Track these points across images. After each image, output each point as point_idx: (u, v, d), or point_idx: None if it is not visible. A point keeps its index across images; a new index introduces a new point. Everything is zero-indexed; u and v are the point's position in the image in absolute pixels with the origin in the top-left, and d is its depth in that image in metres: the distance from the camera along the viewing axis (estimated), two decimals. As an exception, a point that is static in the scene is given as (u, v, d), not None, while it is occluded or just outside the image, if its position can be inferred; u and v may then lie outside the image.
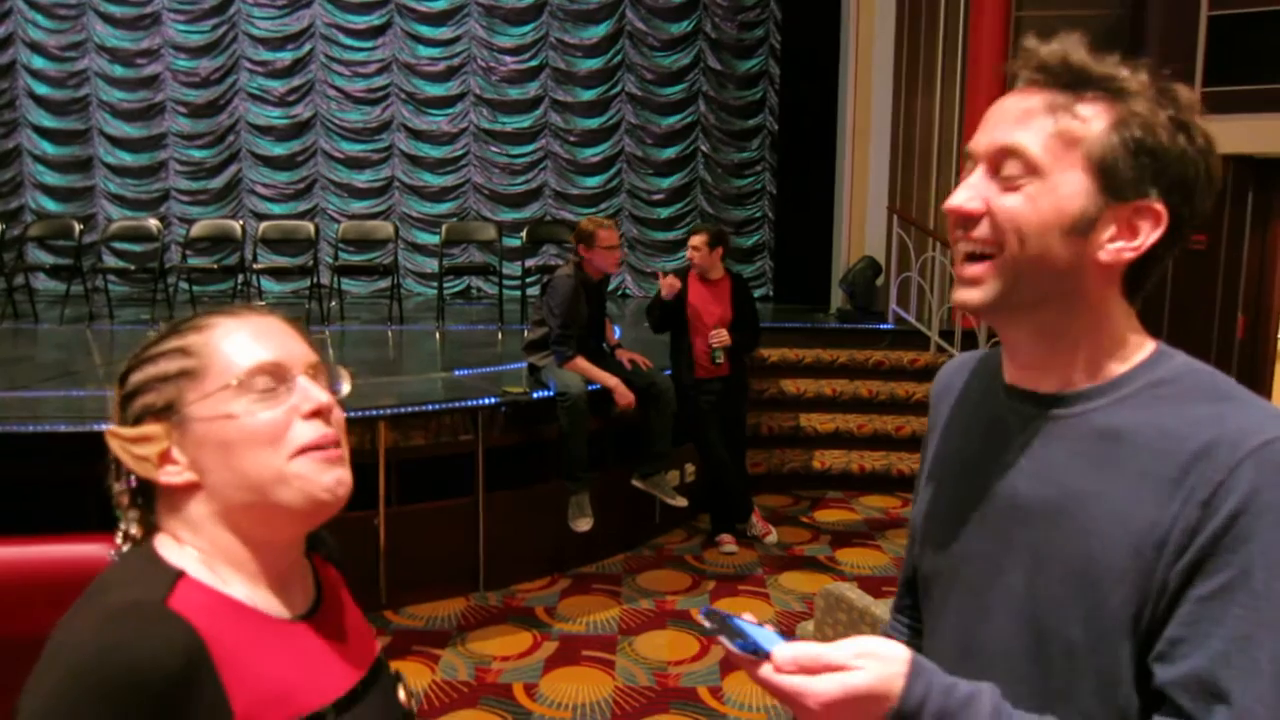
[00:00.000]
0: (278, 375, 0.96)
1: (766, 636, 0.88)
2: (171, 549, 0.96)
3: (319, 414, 0.96)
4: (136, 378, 0.98)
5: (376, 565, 4.21)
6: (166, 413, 0.96)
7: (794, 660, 0.85)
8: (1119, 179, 0.91)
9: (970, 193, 0.96)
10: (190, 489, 0.96)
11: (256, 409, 0.94)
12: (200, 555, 0.95)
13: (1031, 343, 0.99)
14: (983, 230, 0.95)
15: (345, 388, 1.04)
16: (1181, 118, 0.92)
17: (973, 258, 0.96)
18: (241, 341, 0.97)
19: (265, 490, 0.94)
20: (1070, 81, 0.93)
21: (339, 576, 1.14)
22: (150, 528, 0.99)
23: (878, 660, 0.85)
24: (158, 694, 0.82)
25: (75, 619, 0.88)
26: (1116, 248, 0.93)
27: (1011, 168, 0.93)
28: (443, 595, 4.39)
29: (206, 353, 0.96)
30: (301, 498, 0.94)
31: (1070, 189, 0.92)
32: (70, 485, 3.88)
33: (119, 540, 1.00)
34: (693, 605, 4.38)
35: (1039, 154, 0.92)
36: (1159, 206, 0.92)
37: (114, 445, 0.97)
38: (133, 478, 0.98)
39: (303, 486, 0.94)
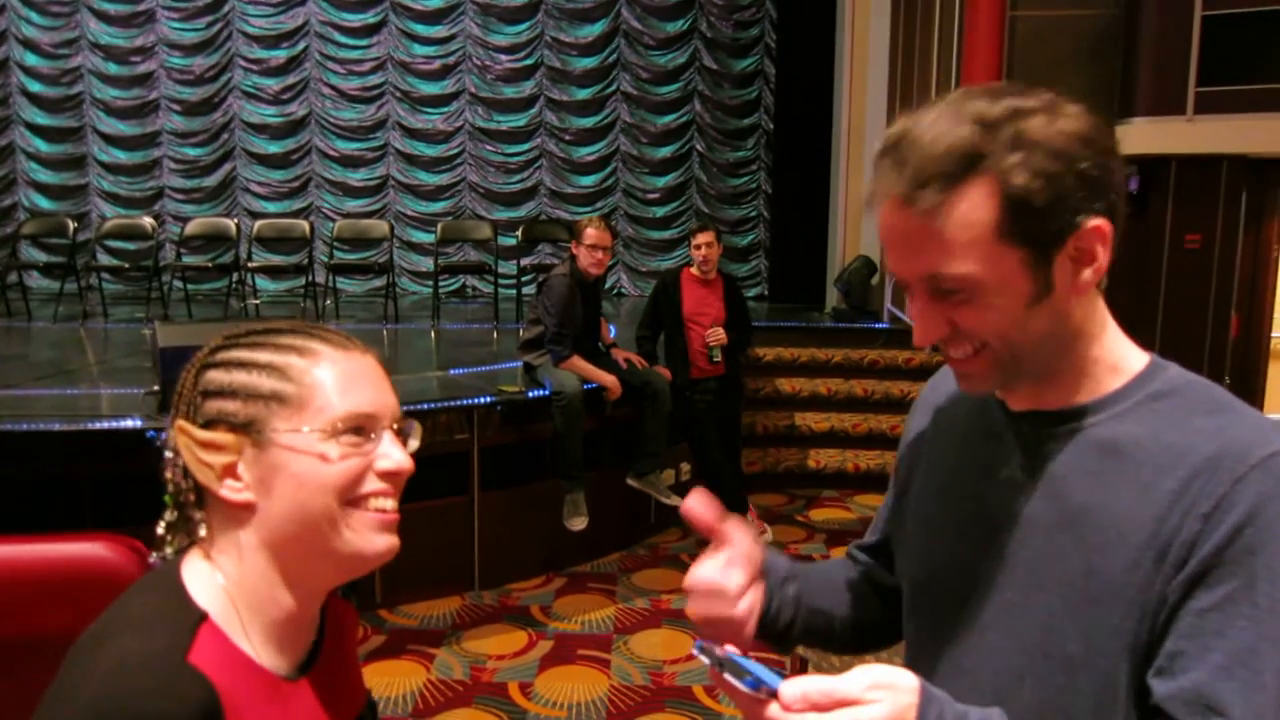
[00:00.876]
0: (367, 427, 0.95)
1: (765, 672, 0.82)
2: (200, 577, 0.94)
3: (397, 474, 0.96)
4: (220, 378, 0.95)
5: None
6: (245, 428, 0.93)
7: (804, 697, 0.78)
8: (1046, 233, 0.88)
9: (927, 322, 0.93)
10: (244, 509, 0.94)
11: (343, 456, 0.93)
12: (227, 586, 0.94)
13: (1029, 380, 0.98)
14: (961, 342, 0.93)
15: (414, 444, 1.02)
16: (1048, 145, 0.86)
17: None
18: (342, 382, 0.95)
19: (318, 531, 0.93)
20: (934, 191, 0.87)
21: (348, 612, 1.12)
22: (188, 540, 0.98)
23: (892, 692, 0.80)
24: None
25: (93, 655, 0.85)
26: (1083, 278, 0.91)
27: (949, 285, 0.89)
28: (438, 594, 4.39)
29: (306, 384, 0.94)
30: (349, 550, 0.94)
31: (1013, 272, 0.88)
32: (64, 484, 3.89)
33: (160, 530, 0.98)
34: (687, 604, 4.37)
35: (967, 270, 0.88)
36: (1096, 221, 0.89)
37: (181, 443, 0.94)
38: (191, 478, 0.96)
39: (353, 539, 0.93)
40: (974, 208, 0.86)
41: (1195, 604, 0.84)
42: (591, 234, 4.57)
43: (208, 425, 0.94)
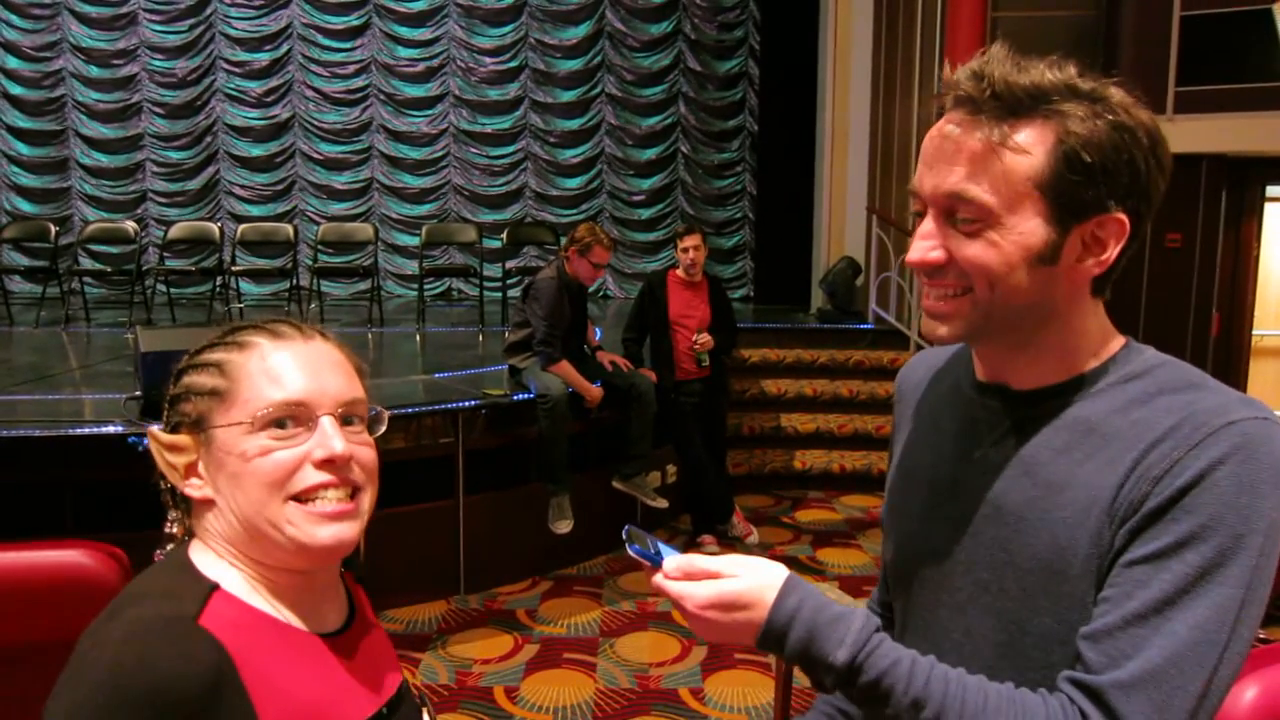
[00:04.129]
0: (300, 415, 0.94)
1: (669, 551, 0.98)
2: (206, 557, 0.96)
3: (331, 462, 0.94)
4: (184, 381, 0.98)
5: (361, 564, 4.19)
6: (197, 426, 0.95)
7: (679, 568, 0.95)
8: (1075, 202, 0.89)
9: (930, 243, 0.94)
10: (210, 504, 0.96)
11: (269, 450, 0.92)
12: (231, 564, 0.96)
13: (1003, 352, 1.00)
14: (950, 277, 0.94)
15: (381, 428, 1.01)
16: (1119, 120, 0.89)
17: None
18: (273, 371, 0.95)
19: (258, 529, 0.93)
20: (1000, 110, 0.90)
21: (366, 598, 1.13)
22: (187, 531, 1.00)
23: (754, 571, 0.93)
24: (185, 712, 0.82)
25: (106, 628, 0.87)
26: (1086, 266, 0.93)
27: (965, 212, 0.91)
28: (423, 598, 4.37)
29: (238, 376, 0.94)
30: (292, 545, 0.93)
31: (1029, 225, 0.90)
32: (45, 490, 3.86)
33: (167, 529, 1.00)
34: (674, 607, 4.37)
35: (991, 199, 0.89)
36: (1120, 216, 0.91)
37: (152, 446, 0.97)
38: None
39: (294, 535, 0.92)
40: (1029, 143, 0.89)
41: (1128, 556, 0.87)
42: (601, 253, 4.60)
43: (175, 428, 0.97)
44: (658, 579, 0.96)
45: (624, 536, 0.99)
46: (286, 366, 0.95)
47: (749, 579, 0.92)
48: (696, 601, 0.92)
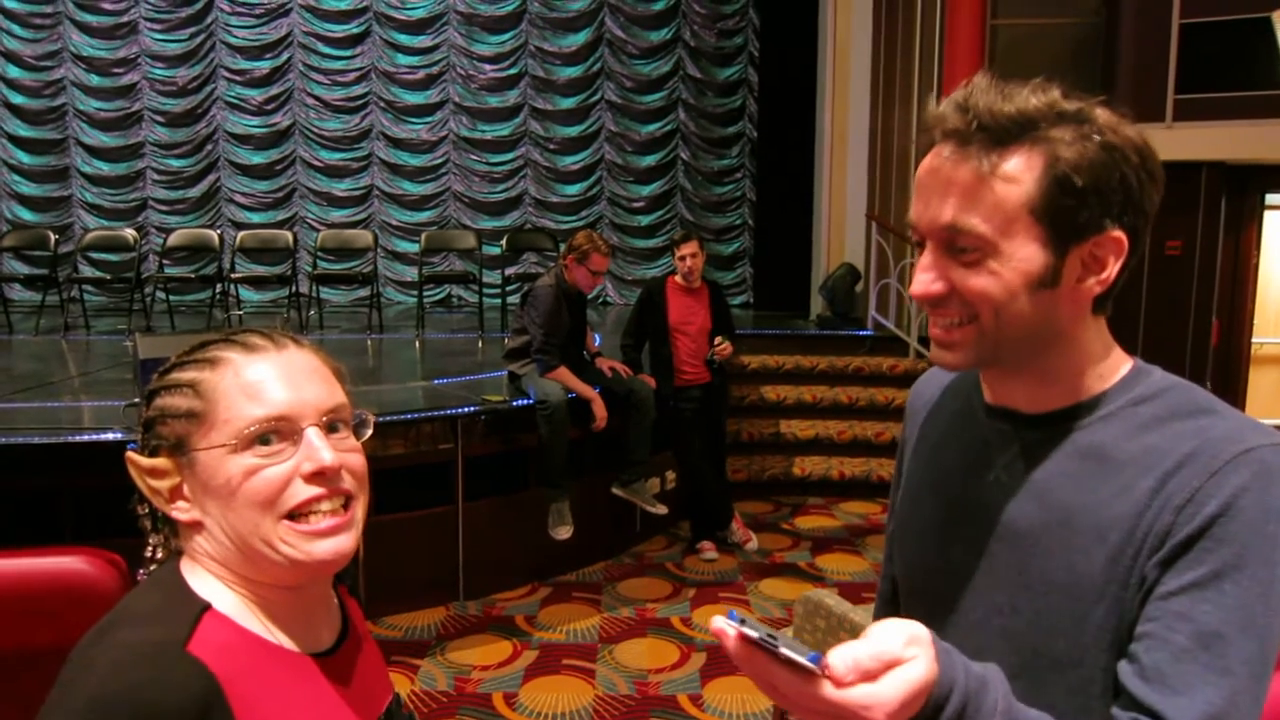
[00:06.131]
0: (283, 430, 0.91)
1: (798, 648, 0.73)
2: (198, 575, 0.94)
3: (322, 474, 0.92)
4: (157, 404, 0.95)
5: (355, 575, 4.19)
6: (177, 450, 0.93)
7: (856, 668, 0.73)
8: (1071, 225, 0.90)
9: (931, 275, 0.94)
10: (199, 526, 0.94)
11: (256, 469, 0.90)
12: (224, 583, 0.94)
13: (1010, 377, 1.00)
14: (953, 307, 0.94)
15: (367, 432, 0.99)
16: (1107, 140, 0.89)
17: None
18: (249, 387, 0.92)
19: (253, 549, 0.91)
20: (988, 140, 0.90)
21: (359, 610, 1.12)
22: (174, 551, 0.98)
23: (923, 645, 0.77)
24: None
25: (92, 652, 0.85)
26: (1087, 285, 0.93)
27: (963, 243, 0.91)
28: (422, 605, 4.37)
29: (213, 397, 0.92)
30: (288, 563, 0.91)
31: (1027, 251, 0.90)
32: (45, 498, 3.86)
33: (147, 554, 0.99)
34: (673, 613, 4.37)
35: (986, 230, 0.90)
36: (1118, 234, 0.91)
37: (132, 472, 0.94)
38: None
39: (290, 554, 0.91)
40: (1019, 171, 0.89)
41: (1163, 588, 0.86)
42: (599, 260, 4.61)
43: (154, 451, 0.94)
44: (830, 692, 0.73)
45: (734, 624, 0.72)
46: (264, 380, 0.93)
47: (925, 656, 0.76)
48: (888, 708, 0.73)
